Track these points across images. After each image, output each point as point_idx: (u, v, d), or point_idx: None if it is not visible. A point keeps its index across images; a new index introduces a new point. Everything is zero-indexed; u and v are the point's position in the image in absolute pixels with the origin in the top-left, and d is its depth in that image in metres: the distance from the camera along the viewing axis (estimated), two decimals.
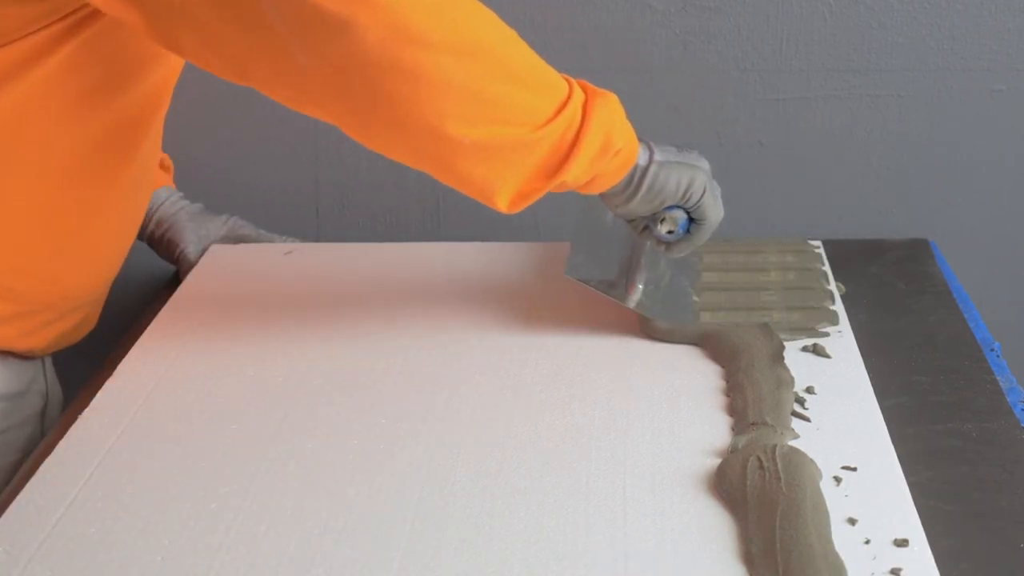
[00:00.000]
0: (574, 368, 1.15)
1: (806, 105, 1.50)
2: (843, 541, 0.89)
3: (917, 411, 1.10)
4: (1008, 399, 1.12)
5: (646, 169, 1.09)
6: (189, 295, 1.33)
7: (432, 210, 1.56)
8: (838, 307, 1.26)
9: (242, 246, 1.44)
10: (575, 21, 1.48)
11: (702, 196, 1.11)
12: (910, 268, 1.41)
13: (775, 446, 0.97)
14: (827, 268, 1.35)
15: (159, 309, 1.30)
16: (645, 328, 1.20)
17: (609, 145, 1.03)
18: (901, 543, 0.89)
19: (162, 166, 1.44)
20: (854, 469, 0.98)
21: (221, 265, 1.40)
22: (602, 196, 1.11)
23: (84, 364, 1.30)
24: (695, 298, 1.26)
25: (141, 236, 1.44)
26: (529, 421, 1.06)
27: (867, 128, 1.51)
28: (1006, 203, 1.54)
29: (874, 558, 0.87)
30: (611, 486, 0.97)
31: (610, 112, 1.03)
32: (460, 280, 1.34)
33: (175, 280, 1.42)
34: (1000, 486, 0.99)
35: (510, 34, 0.99)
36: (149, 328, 1.26)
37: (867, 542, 0.89)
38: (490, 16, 0.97)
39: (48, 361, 1.27)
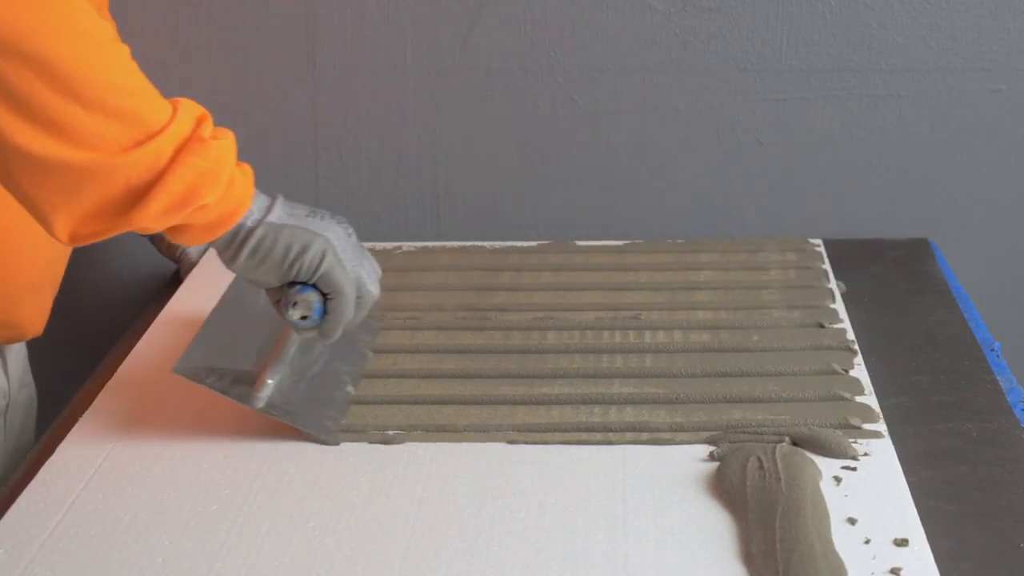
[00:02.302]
0: (583, 364, 1.15)
1: (806, 105, 1.50)
2: (843, 541, 0.89)
3: (917, 411, 1.10)
4: (1008, 399, 1.12)
5: (252, 230, 0.97)
6: (189, 295, 1.33)
7: (432, 210, 1.56)
8: (838, 306, 1.26)
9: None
10: (575, 21, 1.48)
11: (320, 266, 0.98)
12: (910, 268, 1.41)
13: (775, 446, 0.98)
14: (827, 267, 1.35)
15: (159, 309, 1.30)
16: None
17: (194, 197, 0.90)
18: (901, 543, 0.89)
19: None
20: (854, 469, 0.98)
21: (221, 265, 1.40)
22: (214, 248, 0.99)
23: (84, 364, 1.30)
24: (349, 388, 1.11)
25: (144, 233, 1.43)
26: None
27: (867, 128, 1.51)
28: (1006, 203, 1.54)
29: (874, 558, 0.87)
30: (611, 486, 0.97)
31: (208, 161, 0.90)
32: (460, 281, 1.34)
33: (175, 280, 1.42)
34: (1000, 486, 0.99)
35: (99, 48, 0.87)
36: (150, 328, 1.26)
37: (867, 542, 0.89)
38: (77, 20, 0.85)
39: (12, 359, 1.24)
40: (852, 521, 0.91)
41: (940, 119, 1.50)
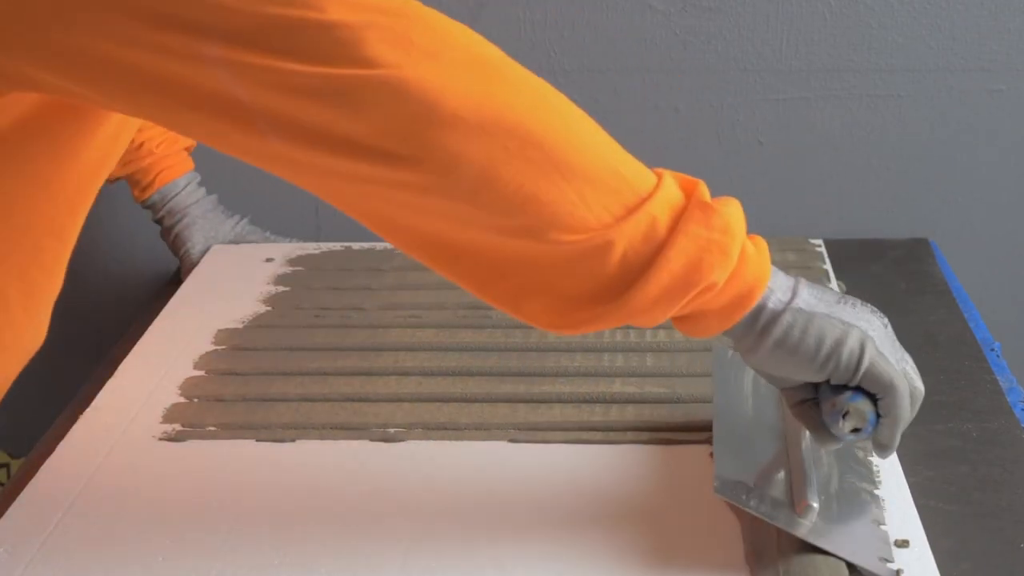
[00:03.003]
0: (584, 363, 1.15)
1: (806, 105, 1.50)
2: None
3: (917, 411, 1.10)
4: (1008, 399, 1.12)
5: (777, 314, 0.82)
6: (190, 295, 1.33)
7: None
8: None
9: (243, 245, 1.44)
10: (575, 21, 1.48)
11: (860, 362, 0.82)
12: (910, 268, 1.41)
13: None
14: (828, 267, 1.36)
15: (159, 309, 1.30)
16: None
17: (699, 274, 0.77)
18: (901, 543, 0.89)
19: (189, 150, 1.42)
20: None
21: (222, 264, 1.40)
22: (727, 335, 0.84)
23: (84, 364, 1.30)
24: (877, 511, 0.92)
25: (152, 215, 1.43)
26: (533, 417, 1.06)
27: (867, 128, 1.51)
28: (1006, 203, 1.54)
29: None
30: (612, 485, 0.97)
31: (714, 231, 0.78)
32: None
33: (175, 280, 1.42)
34: (1000, 486, 0.99)
35: (565, 112, 0.81)
36: (150, 328, 1.26)
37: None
38: (541, 89, 0.80)
39: None
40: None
41: (940, 119, 1.50)
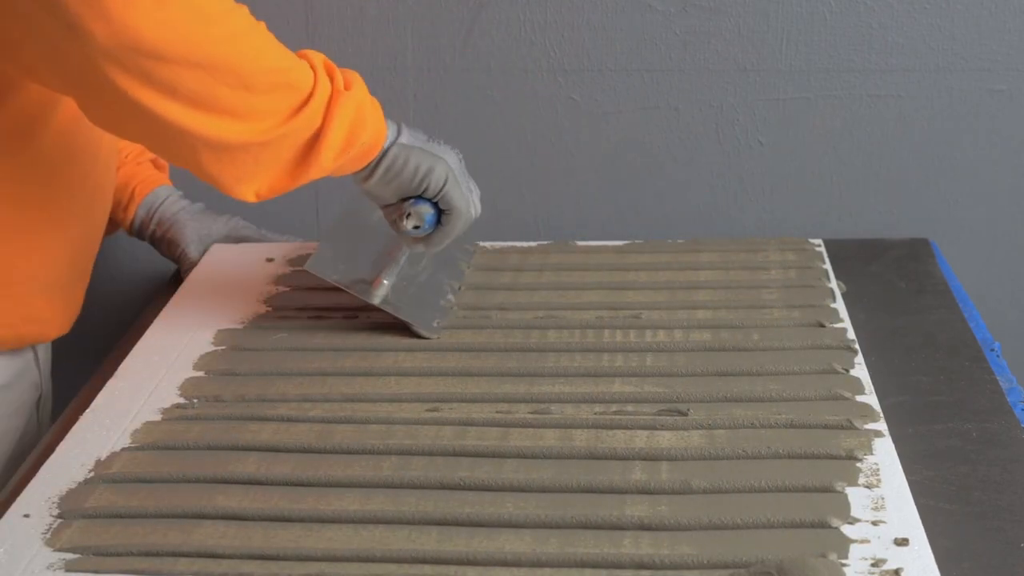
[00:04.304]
0: (584, 363, 1.15)
1: (806, 105, 1.50)
2: (843, 540, 0.89)
3: (917, 411, 1.10)
4: (1008, 399, 1.12)
5: (386, 151, 1.11)
6: (190, 295, 1.33)
7: None
8: (838, 306, 1.26)
9: (243, 245, 1.44)
10: (575, 21, 1.48)
11: (443, 186, 1.13)
12: (910, 268, 1.41)
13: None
14: (828, 267, 1.36)
15: (159, 309, 1.30)
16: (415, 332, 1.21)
17: (352, 141, 1.06)
18: (901, 543, 0.89)
19: (156, 165, 1.44)
20: None
21: (222, 264, 1.40)
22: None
23: (84, 364, 1.30)
24: (450, 297, 1.27)
25: (143, 236, 1.44)
26: (534, 417, 1.06)
27: (867, 128, 1.51)
28: (1006, 203, 1.54)
29: (874, 558, 0.87)
30: (611, 474, 0.97)
31: (354, 107, 1.06)
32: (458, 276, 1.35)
33: (176, 280, 1.42)
34: (1000, 486, 0.99)
35: (250, 39, 1.00)
36: (150, 328, 1.26)
37: (867, 542, 0.89)
38: (229, 22, 0.98)
39: (42, 353, 1.27)
40: (852, 520, 0.91)
41: (940, 119, 1.50)
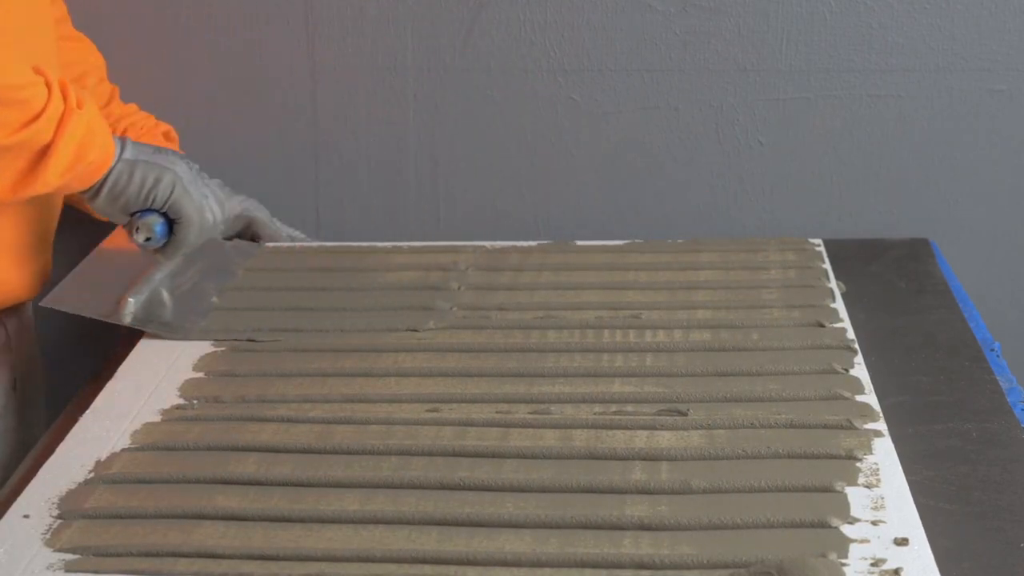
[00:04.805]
0: (583, 363, 1.15)
1: (806, 105, 1.50)
2: (843, 540, 0.89)
3: (917, 411, 1.10)
4: (1008, 399, 1.12)
5: (112, 168, 1.15)
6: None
7: (432, 210, 1.56)
8: (838, 306, 1.26)
9: (243, 245, 1.44)
10: (575, 21, 1.48)
11: (170, 195, 1.17)
12: (910, 268, 1.41)
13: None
14: (828, 267, 1.36)
15: None
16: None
17: (81, 158, 1.09)
18: (901, 543, 0.89)
19: (168, 137, 1.44)
20: None
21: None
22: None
23: (85, 363, 1.30)
24: (214, 299, 1.27)
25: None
26: (535, 416, 1.06)
27: (867, 128, 1.51)
28: (1006, 203, 1.54)
29: (874, 557, 0.87)
30: (611, 474, 0.97)
31: (85, 124, 1.09)
32: (457, 277, 1.35)
33: None
34: (1000, 486, 0.99)
35: None
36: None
37: (867, 541, 0.89)
38: None
39: (14, 331, 1.26)
40: (852, 521, 0.91)
41: (940, 119, 1.50)
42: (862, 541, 0.89)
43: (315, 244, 1.46)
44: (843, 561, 0.87)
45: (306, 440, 1.04)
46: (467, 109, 1.52)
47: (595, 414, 1.07)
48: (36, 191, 1.08)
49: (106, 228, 1.35)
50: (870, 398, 1.08)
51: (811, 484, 0.96)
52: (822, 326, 1.21)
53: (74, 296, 1.23)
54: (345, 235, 1.55)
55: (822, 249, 1.40)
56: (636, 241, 1.44)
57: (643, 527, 0.92)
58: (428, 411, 1.08)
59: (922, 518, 0.92)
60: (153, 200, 1.17)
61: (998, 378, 1.15)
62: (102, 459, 1.02)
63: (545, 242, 1.46)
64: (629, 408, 1.08)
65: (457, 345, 1.20)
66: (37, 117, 1.05)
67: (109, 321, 1.21)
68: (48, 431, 1.12)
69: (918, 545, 0.89)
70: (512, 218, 1.56)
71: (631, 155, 1.53)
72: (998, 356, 1.21)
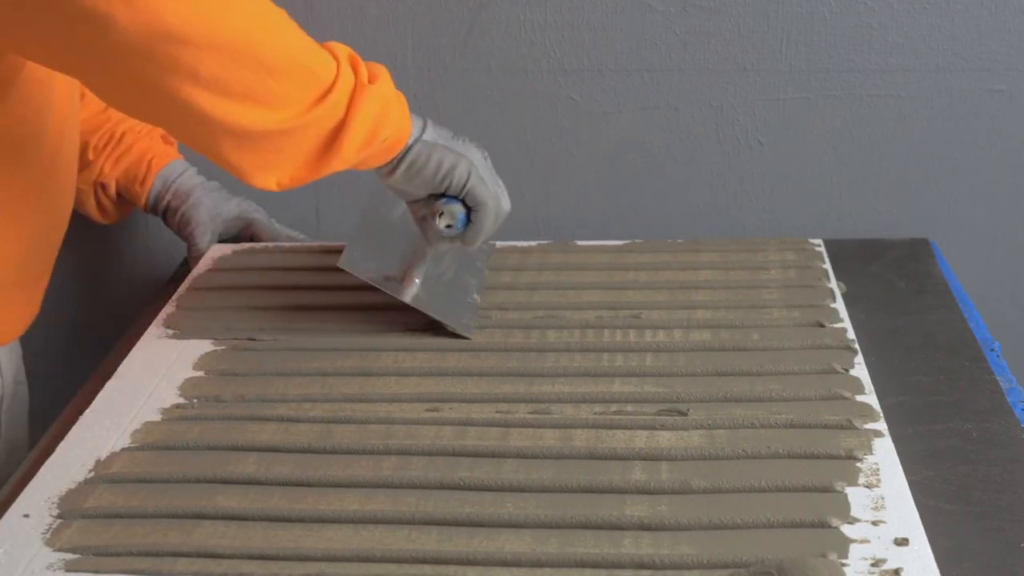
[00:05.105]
0: (583, 363, 1.15)
1: (806, 105, 1.50)
2: (843, 540, 0.89)
3: (917, 411, 1.10)
4: (1008, 399, 1.12)
5: (409, 147, 1.12)
6: (190, 295, 1.33)
7: None
8: (838, 306, 1.26)
9: (243, 246, 1.44)
10: (575, 21, 1.48)
11: (467, 182, 1.14)
12: (910, 268, 1.41)
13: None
14: (828, 267, 1.36)
15: (159, 309, 1.30)
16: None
17: (375, 136, 1.06)
18: (901, 543, 0.89)
19: (166, 140, 1.44)
20: None
21: (222, 265, 1.40)
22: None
23: (84, 364, 1.30)
24: (476, 296, 1.28)
25: (156, 210, 1.44)
26: (534, 417, 1.06)
27: (867, 128, 1.51)
28: (1006, 203, 1.54)
29: (874, 557, 0.87)
30: (611, 474, 0.97)
31: (379, 101, 1.05)
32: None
33: (176, 279, 1.42)
34: (1000, 486, 0.99)
35: (271, 23, 0.99)
36: (151, 326, 1.26)
37: (867, 541, 0.89)
38: (248, 4, 0.97)
39: (5, 356, 1.25)
40: (852, 521, 0.91)
41: (940, 119, 1.50)
42: (862, 541, 0.89)
43: (315, 244, 1.46)
44: (843, 561, 0.87)
45: (306, 440, 1.04)
46: (467, 109, 1.52)
47: (595, 414, 1.07)
48: (333, 169, 1.05)
49: (100, 247, 1.35)
50: (870, 398, 1.08)
51: (811, 484, 0.96)
52: (822, 326, 1.21)
53: (360, 262, 1.22)
54: (345, 235, 1.55)
55: (822, 249, 1.40)
56: (636, 241, 1.44)
57: (643, 527, 0.92)
58: (428, 411, 1.08)
59: (922, 518, 0.92)
60: (448, 185, 1.14)
61: (998, 378, 1.15)
62: (102, 459, 1.03)
63: (545, 242, 1.46)
64: (629, 408, 1.08)
65: (457, 345, 1.20)
66: (328, 92, 1.01)
67: (393, 295, 1.21)
68: (48, 431, 1.12)
69: (918, 545, 0.89)
70: (512, 218, 1.55)
71: (631, 155, 1.53)
72: (998, 356, 1.21)
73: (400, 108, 1.09)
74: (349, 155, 1.04)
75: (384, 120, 1.06)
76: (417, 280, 1.21)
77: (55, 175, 1.20)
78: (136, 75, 0.94)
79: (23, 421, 1.31)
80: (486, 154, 1.17)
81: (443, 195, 1.15)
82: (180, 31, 0.92)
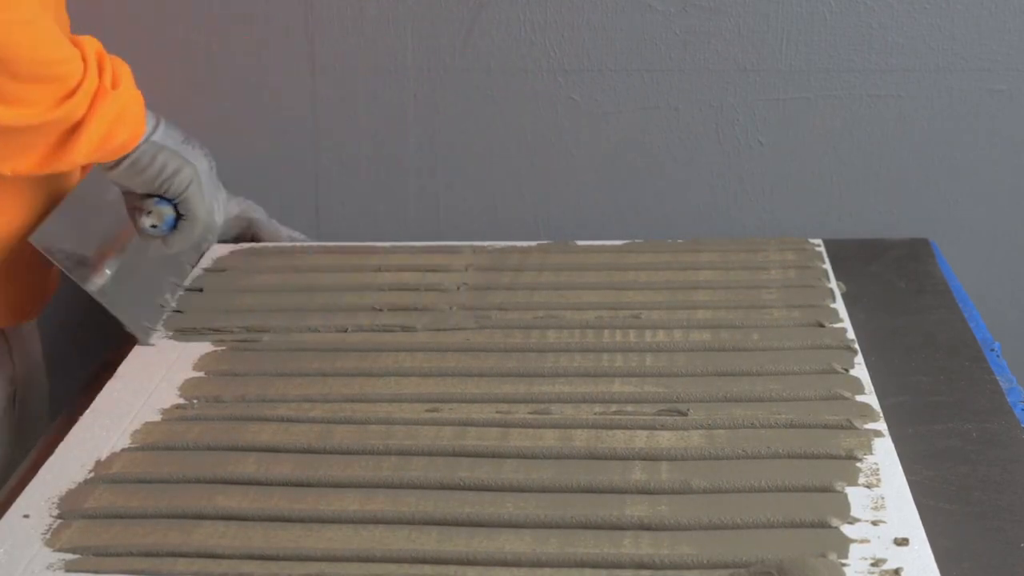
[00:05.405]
0: (583, 363, 1.15)
1: (806, 105, 1.50)
2: (843, 540, 0.89)
3: (917, 411, 1.10)
4: (1008, 399, 1.12)
5: (137, 147, 1.12)
6: (190, 295, 1.33)
7: (432, 210, 1.56)
8: (838, 306, 1.26)
9: (242, 246, 1.44)
10: (575, 21, 1.48)
11: (186, 189, 1.14)
12: (910, 268, 1.41)
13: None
14: (828, 267, 1.35)
15: None
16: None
17: (110, 139, 1.08)
18: (901, 543, 0.89)
19: None
20: None
21: (222, 265, 1.40)
22: None
23: (84, 364, 1.30)
24: (168, 297, 1.27)
25: None
26: (534, 416, 1.06)
27: (867, 128, 1.51)
28: (1006, 203, 1.54)
29: (874, 557, 0.87)
30: (611, 474, 0.97)
31: (118, 107, 1.07)
32: (459, 278, 1.34)
33: None
34: (1000, 486, 0.99)
35: (27, 31, 1.01)
36: None
37: (867, 541, 0.89)
38: (8, 10, 0.99)
39: (17, 344, 1.25)
40: (852, 521, 0.91)
41: (940, 119, 1.50)
42: (862, 541, 0.89)
43: (315, 244, 1.46)
44: (843, 561, 0.87)
45: (306, 440, 1.04)
46: (467, 109, 1.52)
47: (595, 414, 1.07)
48: (62, 168, 1.07)
49: None
50: (870, 398, 1.08)
51: (811, 484, 0.96)
52: (822, 326, 1.21)
53: (56, 238, 1.17)
54: (345, 235, 1.55)
55: (822, 249, 1.40)
56: (636, 241, 1.44)
57: (643, 527, 0.92)
58: (428, 411, 1.08)
59: (922, 518, 0.92)
60: (166, 189, 1.15)
61: (998, 378, 1.16)
62: (102, 459, 1.03)
63: (545, 242, 1.46)
64: (629, 408, 1.08)
65: (457, 345, 1.20)
66: (72, 93, 1.04)
67: (79, 283, 1.18)
68: (48, 431, 1.12)
69: (918, 545, 0.89)
70: (512, 218, 1.56)
71: (631, 155, 1.53)
72: (998, 356, 1.21)
73: (137, 110, 1.11)
74: (79, 155, 1.06)
75: (119, 125, 1.08)
76: (108, 271, 1.20)
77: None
78: None
79: (43, 414, 1.31)
80: (213, 164, 1.19)
81: (156, 195, 1.16)
82: None
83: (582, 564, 0.88)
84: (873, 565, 0.87)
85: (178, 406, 1.11)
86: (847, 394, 1.08)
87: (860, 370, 1.13)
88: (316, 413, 1.09)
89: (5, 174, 1.05)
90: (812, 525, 0.91)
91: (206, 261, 1.41)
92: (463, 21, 1.49)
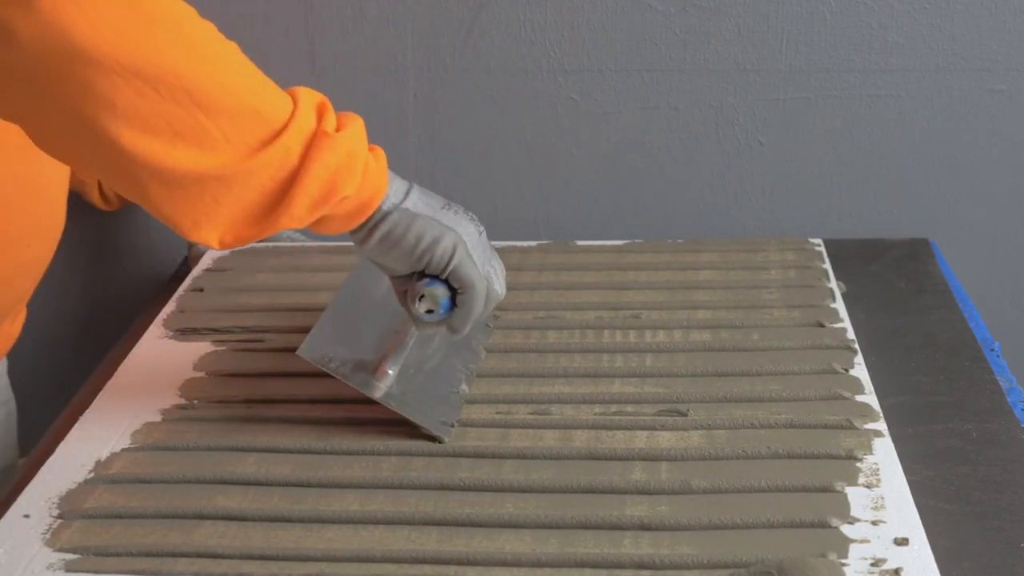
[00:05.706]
0: (583, 363, 1.15)
1: (806, 105, 1.50)
2: (843, 540, 0.89)
3: (917, 411, 1.10)
4: (1008, 399, 1.12)
5: (386, 215, 0.95)
6: (190, 295, 1.33)
7: None
8: (838, 306, 1.26)
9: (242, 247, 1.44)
10: (575, 21, 1.48)
11: (450, 260, 0.97)
12: (910, 267, 1.41)
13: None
14: (827, 267, 1.36)
15: (159, 309, 1.30)
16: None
17: (334, 192, 0.90)
18: (901, 543, 0.89)
19: None
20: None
21: (222, 265, 1.40)
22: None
23: (84, 365, 1.30)
24: (464, 387, 1.11)
25: None
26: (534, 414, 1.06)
27: (867, 128, 1.51)
28: (1006, 203, 1.54)
29: (874, 557, 0.87)
30: (611, 474, 0.97)
31: (343, 152, 0.90)
32: None
33: (176, 278, 1.42)
34: (1000, 486, 0.99)
35: (207, 52, 0.86)
36: (150, 327, 1.26)
37: (867, 542, 0.89)
38: (180, 27, 0.85)
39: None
40: (852, 520, 0.91)
41: (940, 119, 1.50)
42: (862, 541, 0.89)
43: (315, 244, 1.46)
44: (843, 561, 0.87)
45: (306, 440, 1.04)
46: (467, 109, 1.52)
47: (595, 414, 1.07)
48: (282, 226, 0.89)
49: (101, 246, 1.35)
50: (870, 398, 1.08)
51: (811, 484, 0.96)
52: (822, 326, 1.21)
53: (326, 347, 1.05)
54: (345, 235, 1.55)
55: (822, 249, 1.40)
56: (636, 241, 1.44)
57: (643, 527, 0.92)
58: None
59: (922, 518, 0.92)
60: (428, 262, 0.96)
61: (998, 378, 1.16)
62: (102, 459, 1.03)
63: (545, 242, 1.46)
64: (629, 408, 1.08)
65: None
66: (278, 136, 0.87)
67: (361, 391, 1.04)
68: (48, 431, 1.12)
69: (918, 545, 0.89)
70: (512, 218, 1.56)
71: (631, 155, 1.53)
72: (998, 356, 1.21)
73: (375, 165, 0.94)
74: (299, 211, 0.89)
75: (347, 175, 0.90)
76: (391, 372, 1.05)
77: (48, 204, 1.14)
78: (53, 100, 0.81)
79: (12, 442, 1.28)
80: (482, 229, 1.01)
81: (425, 273, 0.99)
82: (87, 51, 0.79)
83: (582, 564, 0.88)
84: (873, 565, 0.87)
85: (178, 406, 1.11)
86: (847, 394, 1.08)
87: (860, 370, 1.13)
88: (316, 413, 1.09)
89: (212, 245, 0.89)
90: (812, 525, 0.91)
91: (206, 261, 1.41)
92: (463, 21, 1.49)
